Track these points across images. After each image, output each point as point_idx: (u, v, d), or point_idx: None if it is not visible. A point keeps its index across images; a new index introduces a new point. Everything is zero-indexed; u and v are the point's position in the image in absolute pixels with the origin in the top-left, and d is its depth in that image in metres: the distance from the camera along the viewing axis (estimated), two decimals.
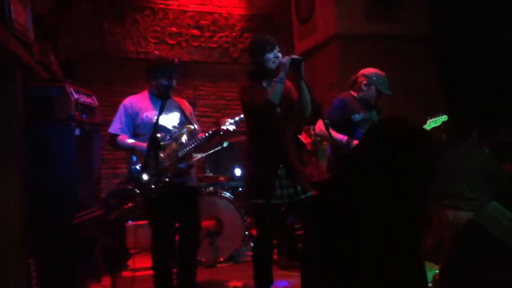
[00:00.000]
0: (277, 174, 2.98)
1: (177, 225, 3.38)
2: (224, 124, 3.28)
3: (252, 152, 3.06)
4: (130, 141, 3.24)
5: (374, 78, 3.65)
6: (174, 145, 3.24)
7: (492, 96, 5.15)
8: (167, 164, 3.17)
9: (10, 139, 2.69)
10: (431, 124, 3.74)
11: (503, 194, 3.72)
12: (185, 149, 3.23)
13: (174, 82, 3.32)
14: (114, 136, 3.29)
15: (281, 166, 3.00)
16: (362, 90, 3.69)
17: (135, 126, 3.30)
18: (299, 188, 3.01)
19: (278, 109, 3.01)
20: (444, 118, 3.76)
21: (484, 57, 5.29)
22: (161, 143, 3.15)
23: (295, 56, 2.88)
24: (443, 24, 5.90)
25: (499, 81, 5.21)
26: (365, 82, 3.68)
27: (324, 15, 6.38)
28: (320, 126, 3.49)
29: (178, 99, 3.53)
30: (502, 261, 2.86)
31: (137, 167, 3.20)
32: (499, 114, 4.97)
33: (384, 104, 3.92)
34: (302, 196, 3.01)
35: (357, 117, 3.62)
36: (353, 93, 3.76)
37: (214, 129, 3.30)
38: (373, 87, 3.66)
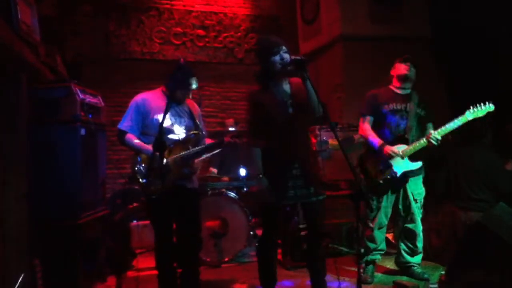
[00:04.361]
0: (290, 175, 2.97)
1: (174, 226, 3.37)
2: (228, 132, 3.29)
3: (266, 153, 3.05)
4: (137, 141, 3.24)
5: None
6: (180, 149, 3.24)
7: (494, 95, 5.14)
8: (171, 167, 3.17)
9: (15, 140, 2.71)
10: (468, 115, 3.47)
11: (505, 195, 3.71)
12: (190, 155, 3.24)
13: (190, 93, 3.38)
14: (123, 133, 3.28)
15: (296, 166, 2.99)
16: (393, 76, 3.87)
17: (144, 126, 3.29)
18: (312, 189, 2.99)
19: (290, 109, 3.00)
20: (490, 108, 3.47)
21: (486, 56, 5.28)
22: (168, 146, 3.16)
23: (298, 57, 2.86)
24: (445, 25, 5.90)
25: (501, 80, 5.19)
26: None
27: (329, 17, 6.38)
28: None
29: (188, 101, 3.52)
30: (507, 261, 2.86)
31: (141, 167, 3.20)
32: (501, 113, 4.95)
33: None
34: (314, 199, 2.99)
35: (386, 107, 3.76)
36: (391, 86, 3.89)
37: (219, 139, 3.30)
38: (395, 64, 3.87)
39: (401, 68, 3.79)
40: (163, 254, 3.26)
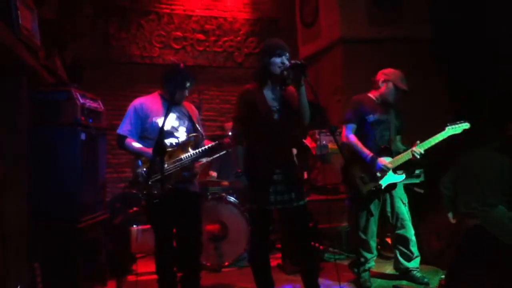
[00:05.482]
0: (272, 180, 2.97)
1: (174, 230, 3.36)
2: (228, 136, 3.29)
3: (249, 155, 3.05)
4: (137, 145, 3.24)
5: (392, 75, 3.76)
6: (180, 152, 3.24)
7: (495, 95, 5.14)
8: (171, 171, 3.17)
9: (15, 143, 2.70)
10: (449, 131, 3.60)
11: None
12: (190, 158, 3.24)
13: (186, 92, 3.36)
14: (122, 138, 3.29)
15: (277, 171, 2.99)
16: (380, 87, 3.80)
17: (144, 129, 3.29)
18: (293, 195, 2.99)
19: (277, 115, 2.99)
20: (465, 126, 3.61)
21: (486, 57, 5.29)
22: (168, 149, 3.15)
23: (298, 61, 2.86)
24: (445, 26, 5.91)
25: (502, 80, 5.20)
26: (382, 79, 3.79)
27: (328, 20, 6.39)
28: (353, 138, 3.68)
29: (186, 103, 3.52)
30: (506, 263, 2.86)
31: (142, 171, 3.20)
32: (502, 113, 4.95)
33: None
34: (295, 204, 2.99)
35: (371, 117, 3.71)
36: (370, 94, 3.86)
37: (219, 141, 3.30)
38: (390, 84, 3.75)
39: (404, 84, 3.74)
40: (163, 258, 3.26)
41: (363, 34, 6.11)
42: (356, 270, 3.77)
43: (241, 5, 7.39)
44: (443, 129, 3.62)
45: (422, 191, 4.49)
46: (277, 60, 2.93)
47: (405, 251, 3.80)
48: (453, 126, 3.61)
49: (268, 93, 3.04)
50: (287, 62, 2.92)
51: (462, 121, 3.62)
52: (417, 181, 4.47)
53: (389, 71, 3.81)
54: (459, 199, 3.83)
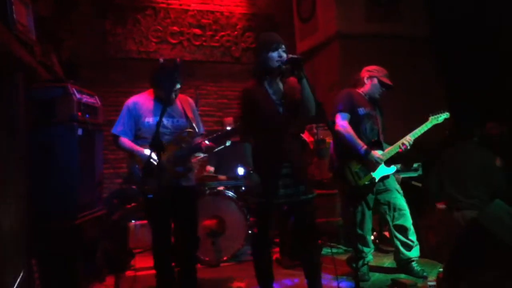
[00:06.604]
0: (280, 174, 2.97)
1: (173, 225, 3.37)
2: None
3: (256, 151, 3.05)
4: (130, 145, 3.26)
5: (376, 71, 3.84)
6: (174, 148, 3.24)
7: (492, 94, 5.15)
8: (165, 167, 3.18)
9: (14, 142, 2.70)
10: (432, 121, 3.78)
11: (500, 192, 3.72)
12: (183, 153, 3.24)
13: (179, 85, 3.33)
14: (116, 137, 3.30)
15: (286, 164, 2.98)
16: (365, 83, 3.86)
17: (138, 129, 3.29)
18: (301, 188, 2.98)
19: (281, 109, 2.99)
20: (446, 115, 3.80)
21: (484, 55, 5.29)
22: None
23: (294, 56, 2.86)
24: (444, 24, 5.91)
25: (499, 79, 5.21)
26: (367, 75, 3.86)
27: (325, 15, 6.38)
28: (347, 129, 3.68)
29: (182, 97, 3.50)
30: (504, 260, 2.86)
31: (137, 167, 3.21)
32: (499, 111, 4.95)
33: (387, 103, 3.94)
34: (303, 197, 2.99)
35: (362, 110, 3.73)
36: (357, 90, 3.88)
37: (216, 133, 3.30)
38: (375, 79, 3.83)
39: (388, 80, 3.83)
40: (161, 253, 3.26)
41: (360, 30, 6.10)
42: (354, 265, 3.78)
43: (237, 0, 7.38)
44: (427, 119, 3.80)
45: (420, 185, 4.51)
46: (274, 54, 2.93)
47: (405, 240, 3.79)
48: (436, 116, 3.80)
49: (269, 88, 3.04)
50: (284, 55, 2.92)
51: (442, 111, 3.81)
52: (415, 175, 4.48)
53: (373, 67, 3.89)
54: (443, 193, 3.91)
